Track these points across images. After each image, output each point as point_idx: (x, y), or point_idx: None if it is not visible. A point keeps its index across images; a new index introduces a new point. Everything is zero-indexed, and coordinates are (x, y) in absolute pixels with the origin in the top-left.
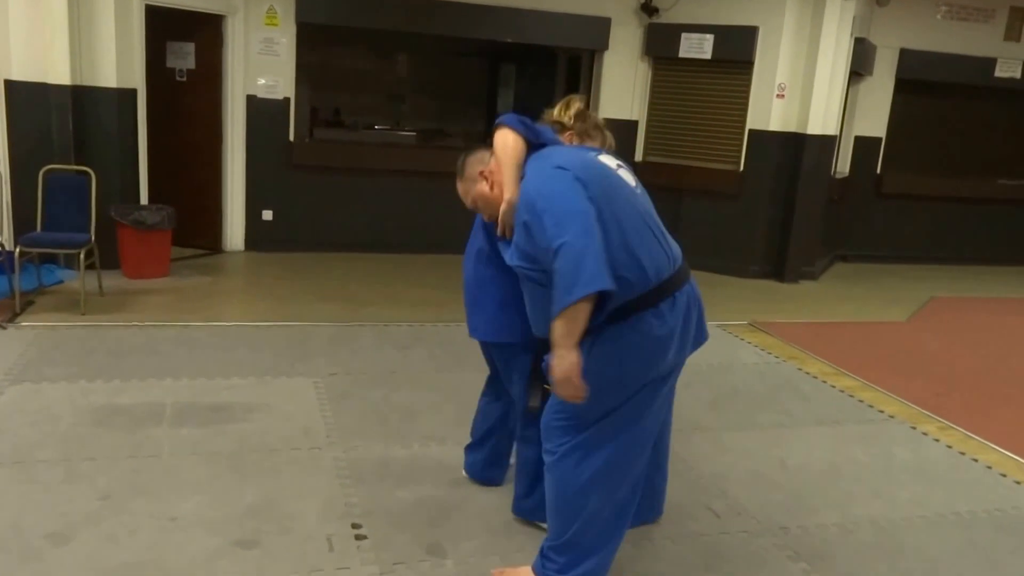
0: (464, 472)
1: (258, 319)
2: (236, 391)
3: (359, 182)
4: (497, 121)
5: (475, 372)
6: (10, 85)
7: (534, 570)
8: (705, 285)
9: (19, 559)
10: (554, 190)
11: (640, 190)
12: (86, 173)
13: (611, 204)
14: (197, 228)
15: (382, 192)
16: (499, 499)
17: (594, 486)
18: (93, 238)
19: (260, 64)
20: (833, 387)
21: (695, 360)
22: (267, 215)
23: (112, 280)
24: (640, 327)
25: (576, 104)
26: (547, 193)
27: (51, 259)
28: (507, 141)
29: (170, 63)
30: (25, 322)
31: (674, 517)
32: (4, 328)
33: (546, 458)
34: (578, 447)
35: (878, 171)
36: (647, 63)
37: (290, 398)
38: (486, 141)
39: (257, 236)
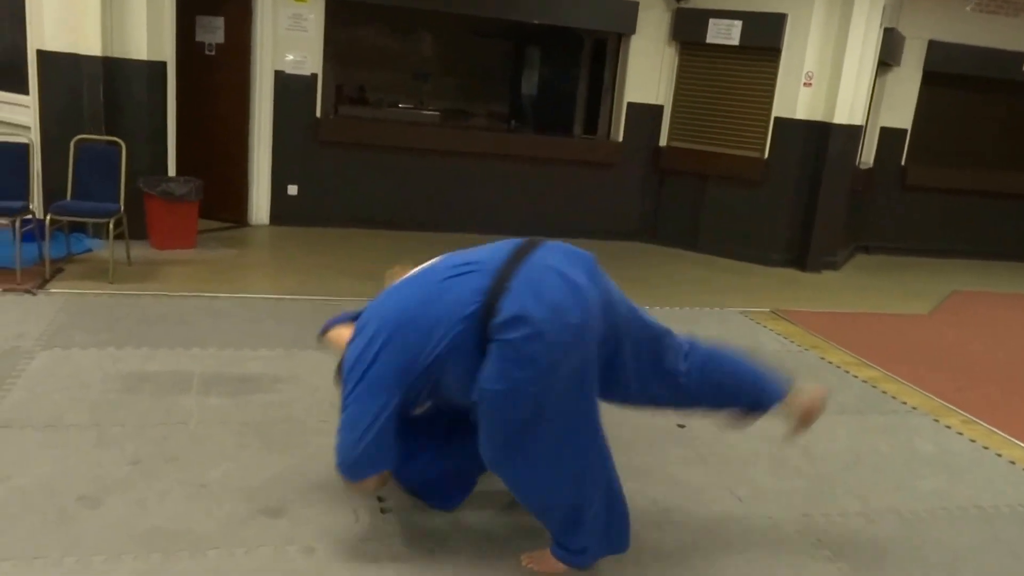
0: None
1: (283, 292)
2: (263, 362)
3: (382, 159)
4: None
5: None
6: (42, 55)
7: (555, 556)
8: (726, 272)
9: (53, 520)
10: (352, 357)
11: (440, 258)
12: (116, 144)
13: (400, 292)
14: (223, 201)
15: (405, 170)
16: None
17: (549, 479)
18: (122, 208)
19: (288, 40)
20: (855, 377)
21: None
22: (292, 190)
23: (139, 250)
24: (500, 339)
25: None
26: (348, 360)
27: (80, 228)
28: (335, 339)
29: (199, 37)
30: (55, 289)
31: (697, 500)
32: (34, 294)
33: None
34: (516, 452)
35: (903, 163)
36: (674, 48)
37: (316, 371)
38: (508, 124)
39: (282, 210)
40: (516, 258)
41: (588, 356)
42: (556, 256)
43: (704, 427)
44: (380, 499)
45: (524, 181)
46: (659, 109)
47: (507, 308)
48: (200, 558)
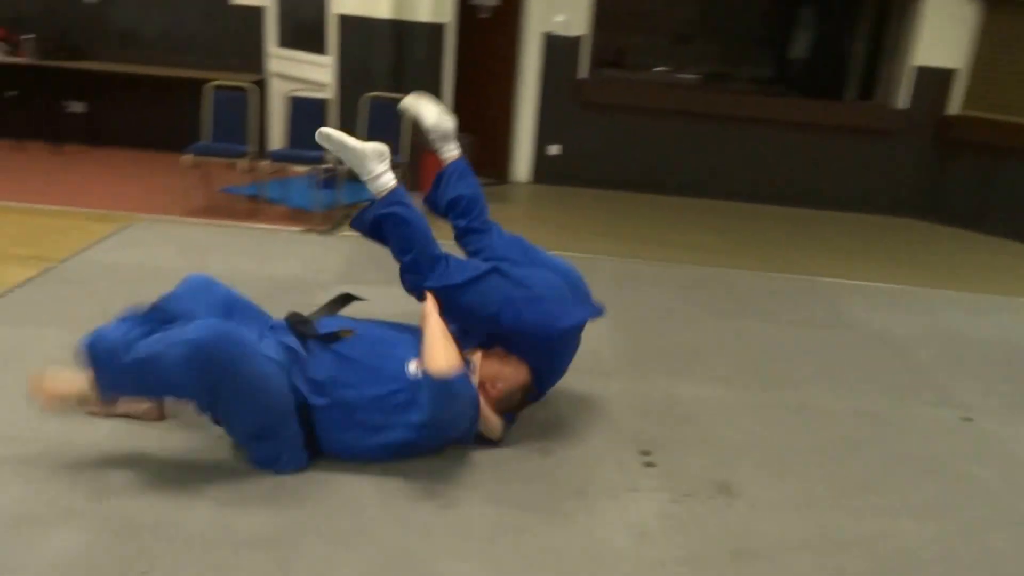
0: None
1: (542, 247)
2: None
3: (643, 122)
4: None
5: (757, 320)
6: (341, 19)
7: None
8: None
9: None
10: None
11: None
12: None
13: None
14: (488, 158)
15: (664, 134)
16: (796, 443)
17: None
18: (405, 161)
19: (557, 3)
20: None
21: None
22: (553, 150)
23: (416, 201)
24: None
25: None
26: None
27: None
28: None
29: (474, 1)
30: (346, 232)
31: (992, 501)
32: (329, 235)
33: None
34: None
35: None
36: (977, 4)
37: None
38: (773, 87)
39: (542, 169)
40: None
41: None
42: None
43: (994, 422)
44: (645, 452)
45: (789, 148)
46: (951, 74)
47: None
48: (475, 481)
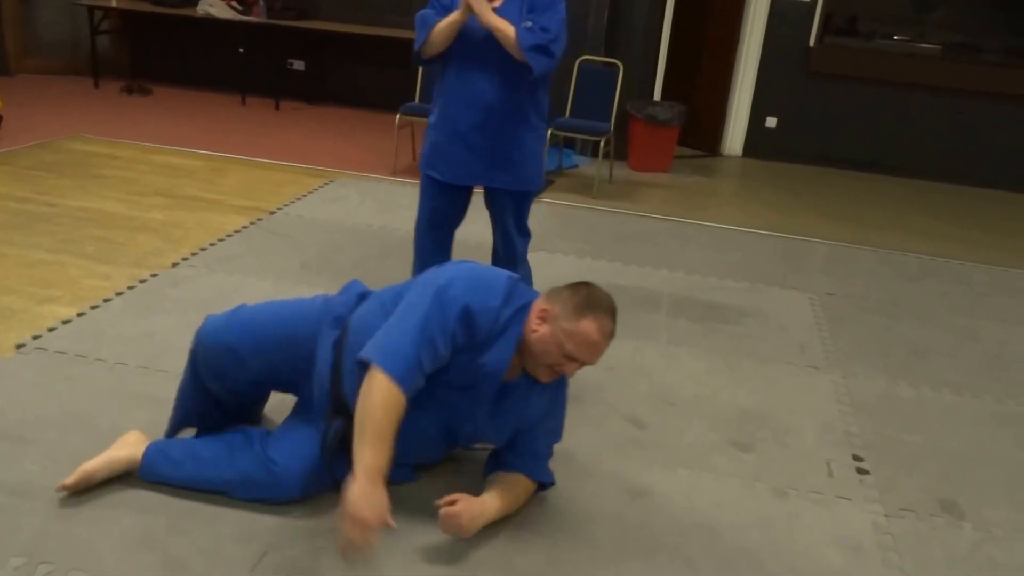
0: None
1: (752, 226)
2: (729, 293)
3: (873, 96)
4: None
5: (996, 320)
6: None
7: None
8: None
9: None
10: None
11: None
12: (614, 65)
13: None
14: (698, 129)
15: (897, 109)
16: None
17: None
18: (612, 128)
19: None
20: None
21: None
22: (770, 122)
23: (618, 170)
24: None
25: None
26: None
27: (570, 144)
28: None
29: None
30: (545, 199)
31: None
32: None
33: None
34: None
35: None
36: None
37: (784, 310)
38: None
39: (757, 143)
40: None
41: None
42: None
43: None
44: (858, 458)
45: None
46: None
47: None
48: (669, 472)
